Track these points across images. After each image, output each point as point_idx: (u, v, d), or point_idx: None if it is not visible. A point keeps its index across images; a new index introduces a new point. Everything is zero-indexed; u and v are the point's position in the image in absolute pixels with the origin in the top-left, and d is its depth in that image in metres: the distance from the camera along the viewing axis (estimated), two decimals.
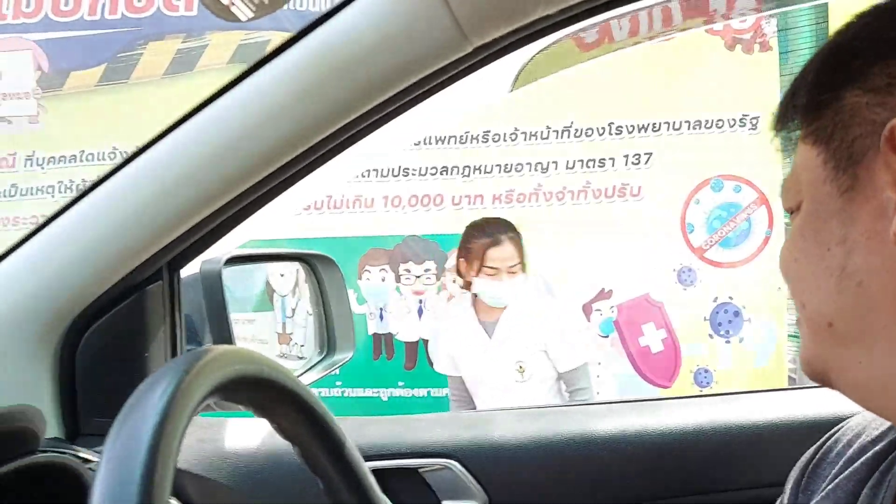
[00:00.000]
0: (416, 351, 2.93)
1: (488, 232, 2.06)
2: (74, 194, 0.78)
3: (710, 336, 2.78)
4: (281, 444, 0.84)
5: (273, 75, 0.72)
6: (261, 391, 0.51)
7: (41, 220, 0.79)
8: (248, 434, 0.86)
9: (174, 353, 0.85)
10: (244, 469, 0.81)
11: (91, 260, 0.76)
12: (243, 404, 0.52)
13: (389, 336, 2.94)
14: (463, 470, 0.79)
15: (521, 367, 2.06)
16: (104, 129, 3.05)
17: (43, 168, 3.12)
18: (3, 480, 0.59)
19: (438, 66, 0.68)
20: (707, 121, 2.74)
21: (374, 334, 2.93)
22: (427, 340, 2.88)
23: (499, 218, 2.19)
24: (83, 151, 3.08)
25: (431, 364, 2.86)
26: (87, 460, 0.69)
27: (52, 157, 3.11)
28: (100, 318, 0.78)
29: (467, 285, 2.13)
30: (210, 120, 0.76)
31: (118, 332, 0.79)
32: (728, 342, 2.77)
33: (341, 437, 0.58)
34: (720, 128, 2.74)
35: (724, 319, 2.76)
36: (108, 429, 0.77)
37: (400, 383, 2.92)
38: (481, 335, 2.12)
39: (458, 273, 2.17)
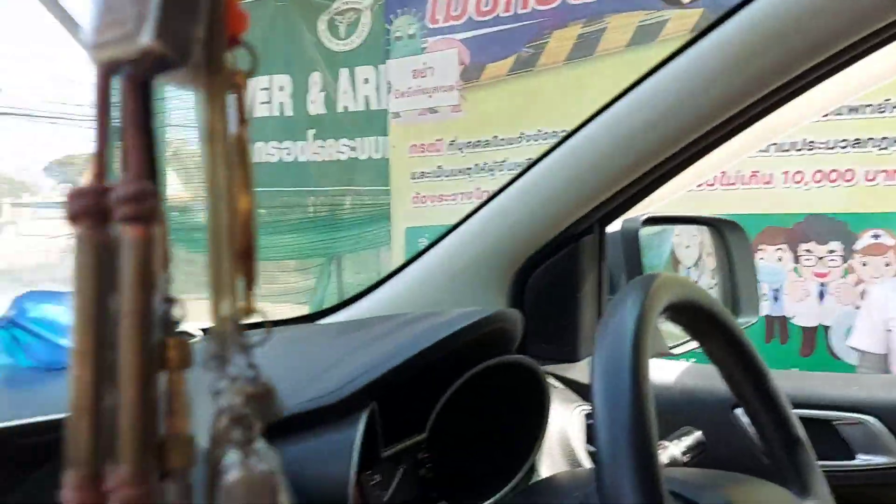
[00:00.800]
0: (815, 337, 2.75)
1: None
2: (527, 163, 0.96)
3: None
4: (691, 382, 0.93)
5: (704, 49, 0.80)
6: (699, 317, 0.60)
7: (494, 190, 0.98)
8: (666, 371, 0.96)
9: (599, 297, 0.99)
10: (661, 400, 0.92)
11: (540, 215, 0.94)
12: (681, 325, 0.62)
13: (783, 319, 2.80)
14: (882, 427, 0.79)
15: None
16: (513, 115, 3.39)
17: (462, 152, 3.59)
18: (482, 374, 0.77)
19: (871, 29, 0.69)
20: None
21: (767, 316, 2.82)
22: (829, 327, 2.69)
23: None
24: (496, 136, 3.47)
25: (831, 350, 2.67)
26: None
27: (470, 142, 3.56)
28: (544, 261, 0.95)
29: None
30: (641, 96, 0.87)
31: (557, 274, 0.95)
32: None
33: (764, 369, 0.64)
34: None
35: None
36: (547, 353, 0.94)
37: (793, 370, 2.77)
38: None
39: None
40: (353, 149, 4.16)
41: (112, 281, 0.20)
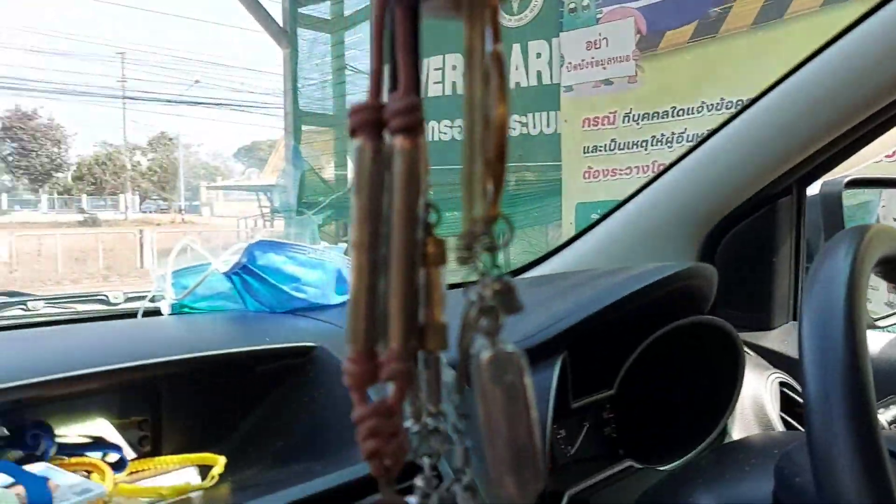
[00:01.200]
0: None
1: None
2: (714, 126, 0.93)
3: None
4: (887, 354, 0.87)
5: None
6: None
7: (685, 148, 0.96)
8: (870, 342, 0.90)
9: (797, 262, 0.95)
10: None
11: (733, 176, 0.91)
12: (893, 282, 0.58)
13: None
14: None
15: None
16: (693, 84, 3.24)
17: (638, 124, 3.49)
18: (672, 334, 0.76)
19: None
20: None
21: None
22: None
23: None
24: (674, 107, 3.34)
25: None
26: None
27: (647, 114, 3.45)
28: (738, 223, 0.92)
29: None
30: (842, 51, 0.81)
31: (752, 236, 0.92)
32: None
33: None
34: None
35: None
36: (738, 319, 0.90)
37: None
38: None
39: None
40: (524, 124, 4.17)
41: (385, 185, 0.23)
